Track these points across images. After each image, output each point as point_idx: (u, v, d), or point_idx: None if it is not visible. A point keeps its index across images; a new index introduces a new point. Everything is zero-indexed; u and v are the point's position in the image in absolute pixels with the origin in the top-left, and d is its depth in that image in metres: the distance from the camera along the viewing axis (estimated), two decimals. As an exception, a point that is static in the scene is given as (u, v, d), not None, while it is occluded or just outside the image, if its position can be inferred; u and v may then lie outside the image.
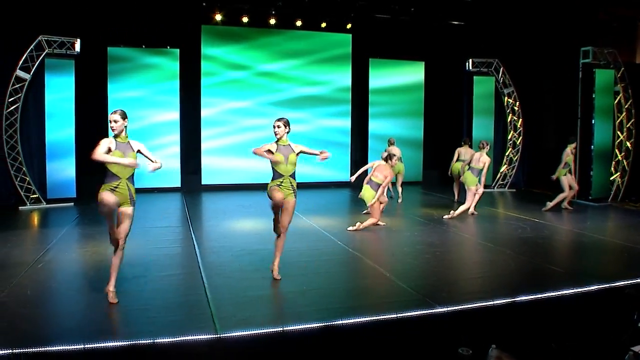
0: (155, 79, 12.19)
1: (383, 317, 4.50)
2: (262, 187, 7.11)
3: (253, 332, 4.19)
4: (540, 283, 5.40)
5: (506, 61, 13.04)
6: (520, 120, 13.17)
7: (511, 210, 10.48)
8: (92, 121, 11.32)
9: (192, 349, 4.06)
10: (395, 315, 4.54)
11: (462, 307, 4.75)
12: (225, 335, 4.13)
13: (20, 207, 9.83)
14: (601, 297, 5.12)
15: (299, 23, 12.56)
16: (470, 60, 12.93)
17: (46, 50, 9.90)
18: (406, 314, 4.55)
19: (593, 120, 11.22)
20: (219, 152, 12.77)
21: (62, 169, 10.35)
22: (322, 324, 4.34)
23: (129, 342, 3.96)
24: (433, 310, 4.66)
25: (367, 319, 4.45)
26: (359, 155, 13.97)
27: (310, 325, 4.31)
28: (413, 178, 14.17)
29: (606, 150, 11.42)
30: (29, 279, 5.51)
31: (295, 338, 4.22)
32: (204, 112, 12.68)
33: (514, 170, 13.28)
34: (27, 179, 9.98)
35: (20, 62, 9.68)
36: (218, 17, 11.99)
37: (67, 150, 10.38)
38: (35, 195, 10.05)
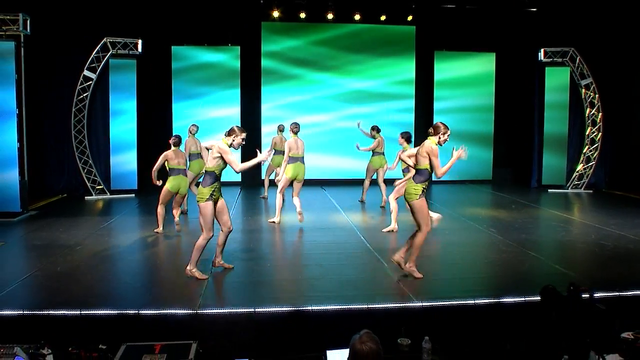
0: (216, 76, 13.31)
1: (353, 306, 5.03)
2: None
3: (226, 310, 4.92)
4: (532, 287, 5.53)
5: (583, 50, 12.67)
6: (600, 114, 12.75)
7: (571, 212, 10.32)
8: (155, 117, 12.73)
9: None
10: (365, 306, 5.04)
11: (435, 303, 5.14)
12: (202, 311, 4.90)
13: (86, 197, 11.32)
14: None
15: (357, 17, 13.08)
16: (542, 50, 12.73)
17: (110, 51, 11.30)
18: (375, 306, 5.04)
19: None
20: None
21: (125, 163, 11.77)
22: (292, 308, 4.96)
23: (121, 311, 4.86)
24: (405, 304, 5.12)
25: (337, 306, 5.00)
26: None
27: (281, 309, 4.95)
28: (483, 176, 14.21)
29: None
30: (64, 258, 6.64)
31: (265, 319, 4.89)
32: (264, 108, 13.62)
33: (592, 170, 12.87)
34: (94, 171, 11.46)
35: (88, 63, 11.14)
36: (276, 13, 12.84)
37: (130, 145, 11.78)
38: (100, 187, 11.51)
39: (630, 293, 5.48)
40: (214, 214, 5.76)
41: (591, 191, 12.82)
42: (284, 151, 9.04)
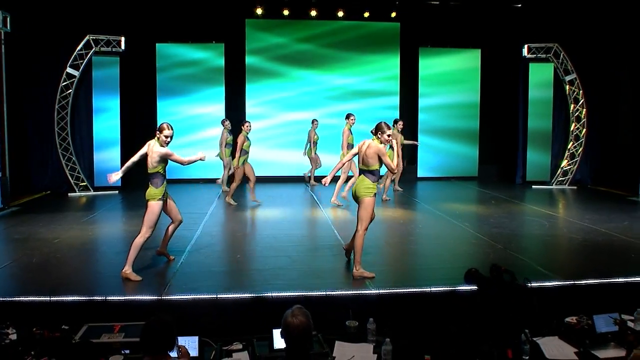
0: (201, 73, 13.69)
1: (312, 293, 5.40)
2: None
3: (190, 296, 5.30)
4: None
5: (567, 46, 13.04)
6: (585, 110, 13.11)
7: (550, 208, 10.66)
8: (139, 114, 13.15)
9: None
10: (324, 293, 5.41)
11: (391, 290, 5.53)
12: (167, 297, 5.28)
13: (69, 194, 11.69)
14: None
15: (340, 14, 13.44)
16: (526, 46, 13.10)
17: (94, 49, 11.67)
18: (332, 293, 5.41)
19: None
20: (263, 144, 13.98)
21: (109, 160, 12.13)
22: (253, 295, 5.34)
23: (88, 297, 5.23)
24: (361, 292, 5.50)
25: (296, 293, 5.38)
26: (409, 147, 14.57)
27: (243, 295, 5.34)
28: (468, 173, 14.57)
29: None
30: (40, 250, 7.01)
31: (227, 305, 5.27)
32: (249, 105, 13.99)
33: (577, 166, 13.23)
34: (77, 168, 11.83)
35: (70, 60, 11.51)
36: (259, 10, 13.21)
37: (113, 142, 12.16)
38: (84, 184, 11.88)
39: (584, 282, 5.86)
40: (159, 214, 6.11)
41: (575, 187, 13.18)
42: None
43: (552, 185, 13.25)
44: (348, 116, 10.55)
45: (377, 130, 5.95)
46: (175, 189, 12.59)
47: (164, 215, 6.33)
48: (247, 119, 10.90)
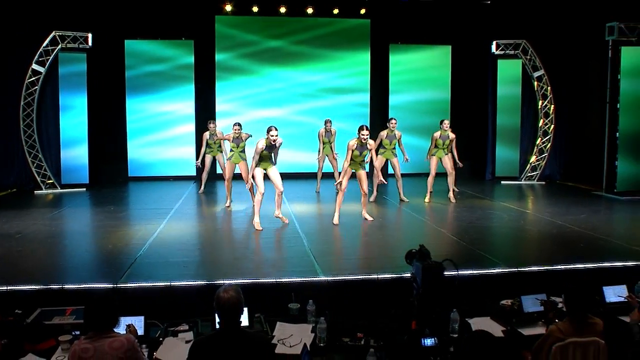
0: (170, 70, 14.02)
1: (263, 280, 5.81)
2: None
3: (144, 284, 5.68)
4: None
5: (536, 42, 13.56)
6: (553, 106, 13.64)
7: (513, 202, 11.14)
8: (108, 111, 13.47)
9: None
10: (274, 280, 5.83)
11: (340, 278, 5.96)
12: (121, 285, 5.65)
13: (36, 192, 11.98)
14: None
15: (310, 10, 13.85)
16: (495, 42, 13.59)
17: (60, 45, 11.97)
18: (282, 280, 5.83)
19: (618, 104, 11.59)
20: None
21: (77, 157, 12.45)
22: (205, 282, 5.73)
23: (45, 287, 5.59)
24: (311, 279, 5.92)
25: (248, 280, 5.78)
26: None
27: (195, 282, 5.74)
28: (439, 170, 14.93)
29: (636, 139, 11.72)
30: (1, 246, 7.34)
31: (179, 292, 5.65)
32: (219, 103, 14.34)
33: (545, 161, 13.76)
34: (44, 165, 12.10)
35: (36, 56, 11.79)
36: (228, 7, 13.58)
37: (81, 139, 12.47)
38: (50, 181, 12.17)
39: (526, 269, 6.34)
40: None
41: (544, 183, 13.71)
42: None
43: (521, 181, 13.77)
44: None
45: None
46: (145, 186, 13.02)
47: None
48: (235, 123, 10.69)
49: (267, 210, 8.98)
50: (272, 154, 8.42)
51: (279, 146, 8.41)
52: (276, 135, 8.25)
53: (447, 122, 11.04)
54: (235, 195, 10.72)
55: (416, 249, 4.40)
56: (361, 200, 9.09)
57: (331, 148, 11.85)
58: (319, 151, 12.02)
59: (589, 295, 3.95)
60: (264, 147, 8.25)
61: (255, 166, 8.42)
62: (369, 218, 8.99)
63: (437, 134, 10.96)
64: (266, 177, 8.61)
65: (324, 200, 11.27)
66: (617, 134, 11.64)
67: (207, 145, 11.72)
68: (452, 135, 11.07)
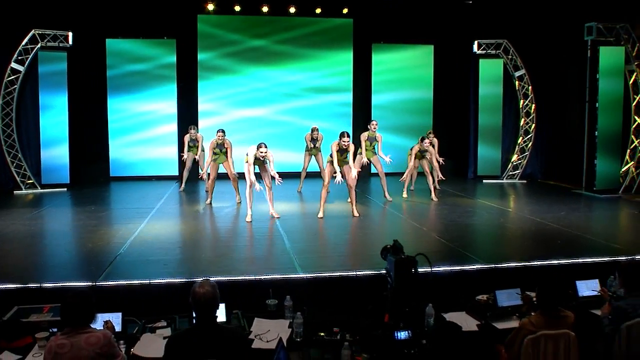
0: (152, 69, 14.02)
1: (242, 278, 5.88)
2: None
3: (123, 282, 5.73)
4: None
5: (517, 42, 13.75)
6: (534, 105, 13.83)
7: (494, 200, 11.29)
8: (89, 111, 13.45)
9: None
10: (253, 277, 5.90)
11: (318, 275, 6.05)
12: (100, 283, 5.69)
13: (15, 192, 11.93)
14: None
15: (292, 10, 13.92)
16: (477, 42, 13.76)
17: (40, 44, 11.93)
18: (262, 277, 5.90)
19: (597, 104, 11.79)
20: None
21: (57, 157, 12.41)
22: (184, 280, 5.79)
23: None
24: (289, 276, 6.01)
25: (227, 277, 5.85)
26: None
27: (174, 280, 5.79)
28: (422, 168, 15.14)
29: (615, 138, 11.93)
30: (-21, 245, 7.36)
31: (158, 290, 5.70)
32: (202, 102, 14.37)
33: (527, 160, 13.95)
34: (24, 165, 12.06)
35: (15, 55, 11.76)
36: (210, 6, 13.62)
37: (62, 139, 12.43)
38: (30, 181, 12.13)
39: (503, 265, 6.48)
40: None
41: (525, 181, 13.91)
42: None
43: (502, 180, 13.95)
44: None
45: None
46: (127, 185, 13.03)
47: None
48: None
49: (257, 210, 9.07)
50: (265, 165, 8.86)
51: (272, 161, 8.73)
52: (265, 152, 8.44)
53: (427, 141, 11.35)
54: (217, 195, 10.76)
55: (391, 244, 4.47)
56: (349, 196, 9.42)
57: (317, 158, 11.70)
58: (306, 150, 11.91)
59: (560, 289, 4.07)
60: (253, 159, 8.64)
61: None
62: (357, 214, 9.21)
63: (416, 148, 11.32)
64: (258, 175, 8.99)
65: (306, 199, 11.34)
66: (596, 132, 11.83)
67: (188, 146, 11.81)
68: (430, 149, 11.51)
